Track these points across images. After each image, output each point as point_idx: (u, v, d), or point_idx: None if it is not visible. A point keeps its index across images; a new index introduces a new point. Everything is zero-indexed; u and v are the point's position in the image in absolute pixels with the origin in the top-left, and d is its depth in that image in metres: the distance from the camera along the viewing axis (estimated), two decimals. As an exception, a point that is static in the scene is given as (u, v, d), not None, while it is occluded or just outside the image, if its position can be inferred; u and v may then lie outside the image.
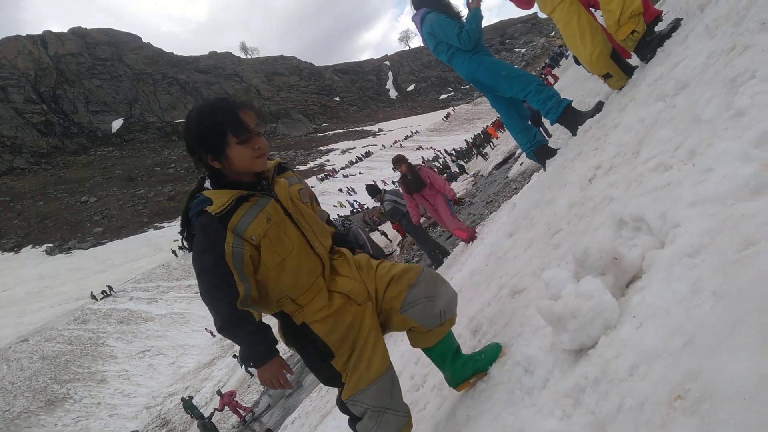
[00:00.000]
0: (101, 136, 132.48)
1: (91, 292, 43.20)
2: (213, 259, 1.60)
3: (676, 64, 2.37)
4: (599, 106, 3.29)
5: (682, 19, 3.04)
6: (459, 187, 25.17)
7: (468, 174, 30.70)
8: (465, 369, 1.92)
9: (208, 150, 1.67)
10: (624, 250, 1.38)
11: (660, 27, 3.16)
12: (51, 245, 71.58)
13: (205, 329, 33.39)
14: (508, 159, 18.31)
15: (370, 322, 1.80)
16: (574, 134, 3.41)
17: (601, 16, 3.12)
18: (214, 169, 1.71)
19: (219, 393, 19.81)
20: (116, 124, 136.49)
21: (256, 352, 1.66)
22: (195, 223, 1.66)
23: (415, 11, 3.80)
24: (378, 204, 9.01)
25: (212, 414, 18.47)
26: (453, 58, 3.70)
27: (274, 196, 1.74)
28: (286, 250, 1.70)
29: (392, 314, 1.85)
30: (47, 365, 31.88)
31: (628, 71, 3.22)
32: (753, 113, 1.34)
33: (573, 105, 3.57)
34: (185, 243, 1.74)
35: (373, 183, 9.07)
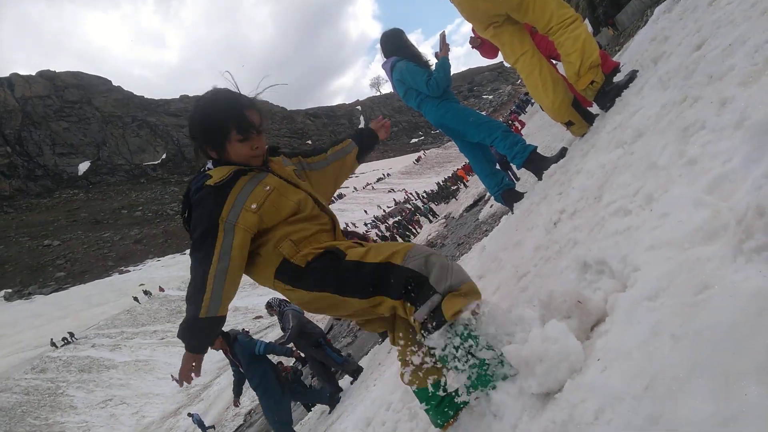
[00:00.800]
0: (67, 178, 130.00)
1: (51, 340, 41.42)
2: (210, 220, 1.61)
3: (633, 113, 2.49)
4: (563, 152, 3.40)
5: (638, 71, 3.20)
6: (431, 228, 25.36)
7: (438, 216, 30.96)
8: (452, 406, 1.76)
9: (208, 141, 1.75)
10: (588, 293, 1.41)
11: (618, 78, 3.32)
12: (10, 291, 68.83)
13: (171, 376, 32.11)
14: (479, 201, 18.58)
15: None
16: (540, 178, 3.51)
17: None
18: (211, 157, 1.78)
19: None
20: (83, 167, 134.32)
21: (198, 337, 1.64)
22: (194, 198, 1.68)
23: (385, 59, 3.91)
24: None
25: None
26: (422, 105, 3.79)
27: (272, 171, 1.78)
28: (289, 211, 1.70)
29: None
30: (1, 417, 30.16)
31: (589, 119, 3.36)
32: (704, 161, 1.40)
33: (538, 150, 3.67)
34: (185, 226, 1.75)
35: (270, 301, 8.29)
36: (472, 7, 3.09)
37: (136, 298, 50.63)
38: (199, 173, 1.74)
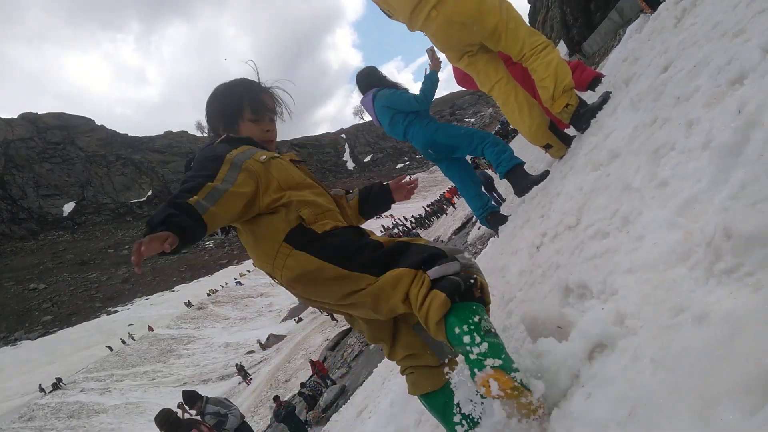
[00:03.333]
0: (51, 220, 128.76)
1: (40, 385, 40.39)
2: (207, 159, 1.52)
3: (607, 135, 2.54)
4: (545, 174, 3.46)
5: (611, 92, 3.29)
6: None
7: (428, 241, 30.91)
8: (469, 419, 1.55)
9: (223, 119, 1.79)
10: (572, 318, 1.42)
11: (592, 100, 3.40)
12: (-5, 338, 67.36)
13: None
14: (466, 224, 18.67)
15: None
16: (518, 195, 3.62)
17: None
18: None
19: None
20: (68, 208, 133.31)
21: (171, 215, 1.29)
22: (200, 152, 1.64)
23: (362, 95, 3.97)
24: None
25: None
26: (409, 128, 3.80)
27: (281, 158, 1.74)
28: (298, 177, 1.64)
29: (402, 328, 1.67)
30: (-13, 471, 29.19)
31: (567, 141, 3.42)
32: (675, 183, 1.44)
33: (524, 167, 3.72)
34: None
35: (191, 392, 7.87)
36: (446, 36, 3.16)
37: (123, 341, 49.63)
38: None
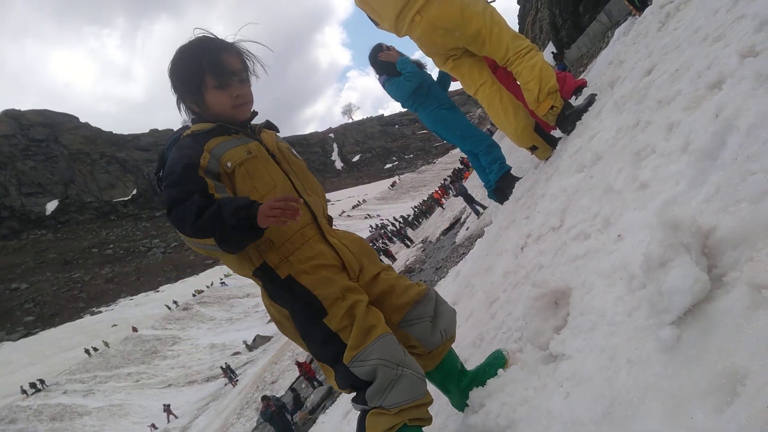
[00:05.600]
0: (34, 219, 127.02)
1: (21, 387, 39.78)
2: (182, 169, 1.42)
3: (591, 137, 2.57)
4: (591, 99, 3.42)
5: (596, 94, 3.32)
6: (409, 253, 25.39)
7: (415, 242, 31.03)
8: (474, 383, 1.68)
9: (185, 91, 1.59)
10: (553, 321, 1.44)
11: (577, 102, 3.43)
12: (-25, 339, 66.32)
13: (151, 426, 30.97)
14: (455, 224, 18.76)
15: (365, 299, 1.53)
16: (501, 202, 3.91)
17: None
18: (197, 113, 1.62)
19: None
20: (51, 206, 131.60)
21: (243, 208, 1.32)
22: (168, 150, 1.54)
23: (379, 76, 4.36)
24: None
25: None
26: (418, 112, 4.24)
27: (260, 141, 1.61)
28: (265, 187, 1.50)
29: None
30: (-33, 474, 28.71)
31: (552, 143, 3.45)
32: (654, 185, 1.46)
33: (511, 172, 4.03)
34: (158, 187, 1.55)
35: None
36: (430, 41, 3.18)
37: (105, 343, 48.91)
38: (179, 129, 1.62)
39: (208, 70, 1.53)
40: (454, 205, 25.97)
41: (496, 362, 1.72)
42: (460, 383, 1.72)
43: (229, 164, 1.47)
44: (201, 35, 1.59)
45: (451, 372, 1.72)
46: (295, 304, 1.49)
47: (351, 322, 1.46)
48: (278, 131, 1.82)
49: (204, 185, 1.40)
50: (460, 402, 1.71)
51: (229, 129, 1.57)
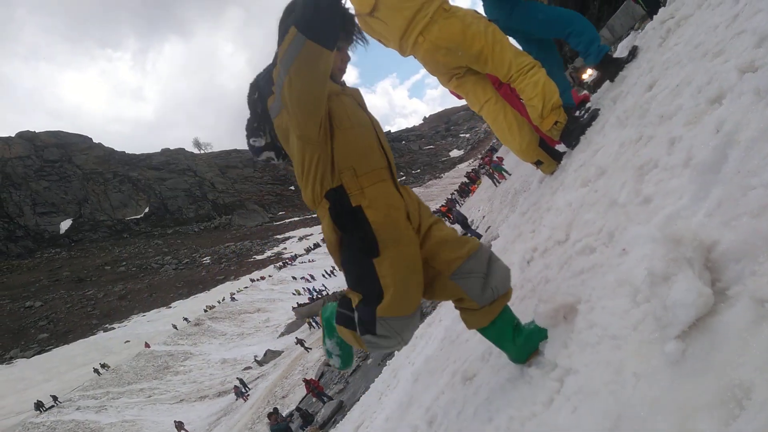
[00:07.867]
0: (48, 237, 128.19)
1: (35, 403, 39.90)
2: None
3: (596, 151, 2.59)
4: (634, 51, 3.38)
5: (599, 109, 3.34)
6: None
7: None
8: (530, 341, 1.69)
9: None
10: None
11: (581, 116, 3.45)
12: (-10, 356, 66.79)
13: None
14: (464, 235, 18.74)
15: (419, 258, 1.62)
16: (611, 80, 3.51)
17: None
18: None
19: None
20: (64, 225, 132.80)
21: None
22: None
23: None
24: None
25: None
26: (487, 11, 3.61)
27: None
28: (356, 118, 1.61)
29: (439, 278, 1.66)
30: (-20, 493, 28.71)
31: (557, 157, 3.47)
32: (657, 200, 1.48)
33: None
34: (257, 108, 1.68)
35: None
36: (433, 61, 3.22)
37: (96, 370, 48.78)
38: None
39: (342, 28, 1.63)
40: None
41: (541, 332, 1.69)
42: (516, 342, 1.71)
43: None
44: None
45: (504, 331, 1.73)
46: (354, 234, 1.55)
47: (396, 273, 1.53)
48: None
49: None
50: (518, 358, 1.72)
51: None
